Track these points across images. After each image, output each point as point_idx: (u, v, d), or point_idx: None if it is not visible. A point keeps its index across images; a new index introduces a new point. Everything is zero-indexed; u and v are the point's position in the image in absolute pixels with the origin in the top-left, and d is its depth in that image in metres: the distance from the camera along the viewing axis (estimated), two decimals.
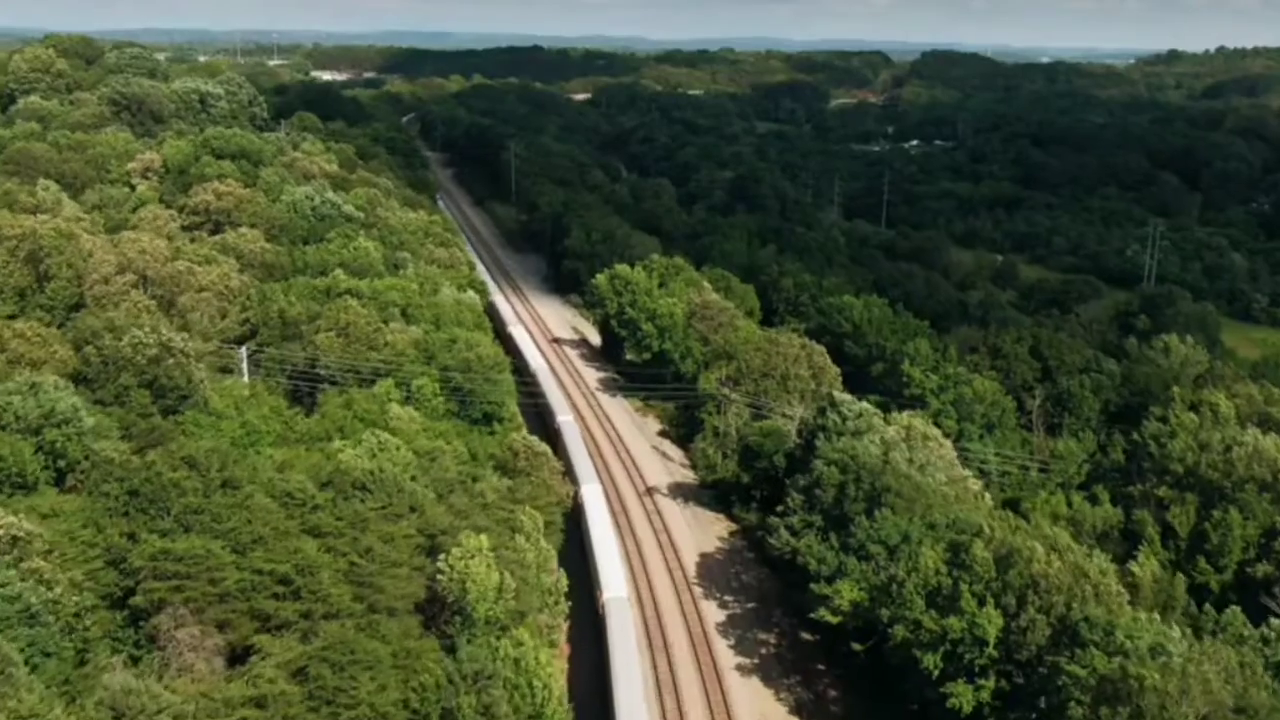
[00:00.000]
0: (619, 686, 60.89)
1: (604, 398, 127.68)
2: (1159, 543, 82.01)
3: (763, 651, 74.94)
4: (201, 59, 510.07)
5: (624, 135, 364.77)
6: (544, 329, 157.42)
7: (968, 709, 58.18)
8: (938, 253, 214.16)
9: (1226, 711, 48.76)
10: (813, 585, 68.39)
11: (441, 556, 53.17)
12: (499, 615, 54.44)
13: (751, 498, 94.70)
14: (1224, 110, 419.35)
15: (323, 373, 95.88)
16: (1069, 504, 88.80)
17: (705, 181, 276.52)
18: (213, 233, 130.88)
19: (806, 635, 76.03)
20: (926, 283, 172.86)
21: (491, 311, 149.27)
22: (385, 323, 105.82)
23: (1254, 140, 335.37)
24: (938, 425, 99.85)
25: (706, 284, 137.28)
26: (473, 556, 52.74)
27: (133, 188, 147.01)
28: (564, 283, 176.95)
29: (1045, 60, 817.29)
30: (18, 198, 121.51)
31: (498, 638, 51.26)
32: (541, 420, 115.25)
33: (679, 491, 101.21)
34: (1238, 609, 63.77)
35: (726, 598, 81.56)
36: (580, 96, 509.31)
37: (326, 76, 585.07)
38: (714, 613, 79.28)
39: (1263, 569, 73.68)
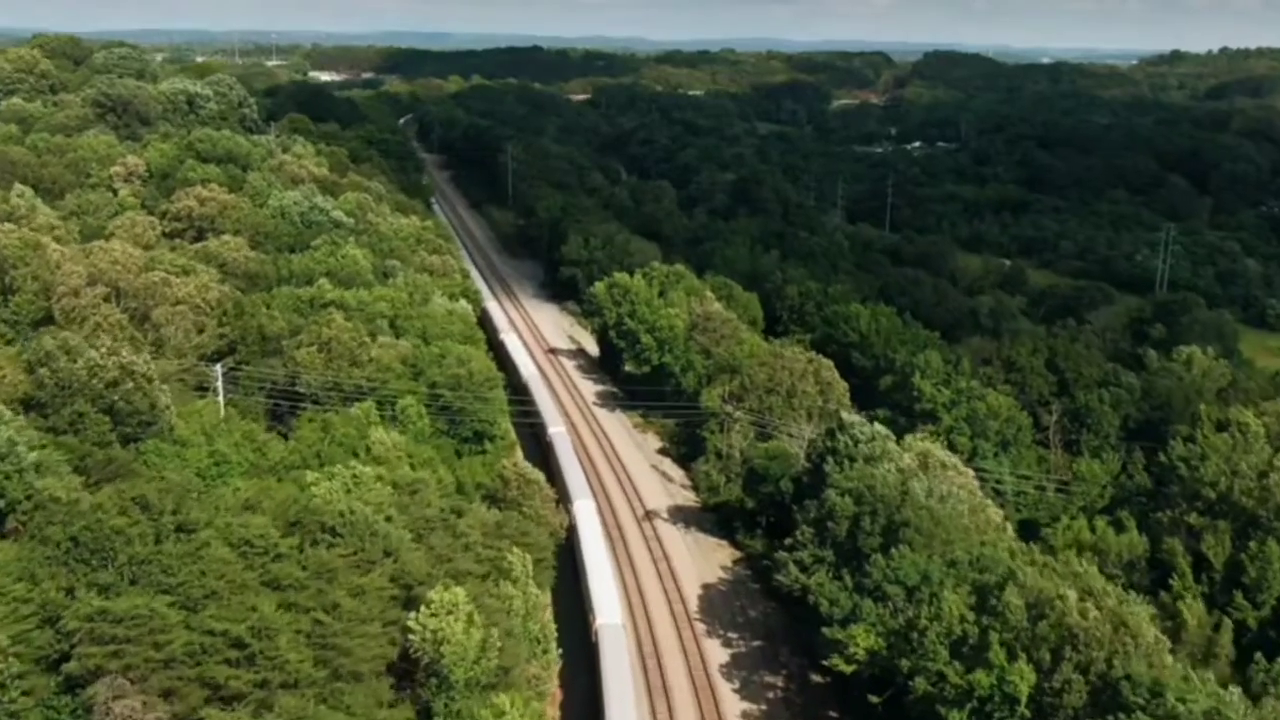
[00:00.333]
0: None
1: (601, 412, 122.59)
2: (1191, 575, 77.18)
3: (770, 695, 69.80)
4: (199, 59, 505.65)
5: (624, 136, 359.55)
6: (540, 338, 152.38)
7: None
8: (944, 258, 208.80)
9: None
10: (825, 629, 63.25)
11: (413, 616, 48.02)
12: (480, 676, 49.40)
13: (756, 524, 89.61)
14: (1230, 111, 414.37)
15: (304, 390, 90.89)
16: (1092, 529, 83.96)
17: (706, 184, 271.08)
18: (195, 240, 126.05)
19: (817, 677, 70.83)
20: (935, 290, 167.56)
21: (485, 319, 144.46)
22: (372, 336, 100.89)
23: (1262, 142, 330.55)
24: (950, 443, 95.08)
25: (709, 293, 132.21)
26: (449, 613, 47.64)
27: (115, 193, 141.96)
28: (561, 290, 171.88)
29: (1046, 61, 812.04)
30: None
31: (478, 706, 46.15)
32: (535, 433, 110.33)
33: (679, 515, 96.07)
34: None
35: (730, 634, 76.41)
36: (580, 97, 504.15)
37: (325, 77, 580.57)
38: (717, 651, 74.12)
39: None
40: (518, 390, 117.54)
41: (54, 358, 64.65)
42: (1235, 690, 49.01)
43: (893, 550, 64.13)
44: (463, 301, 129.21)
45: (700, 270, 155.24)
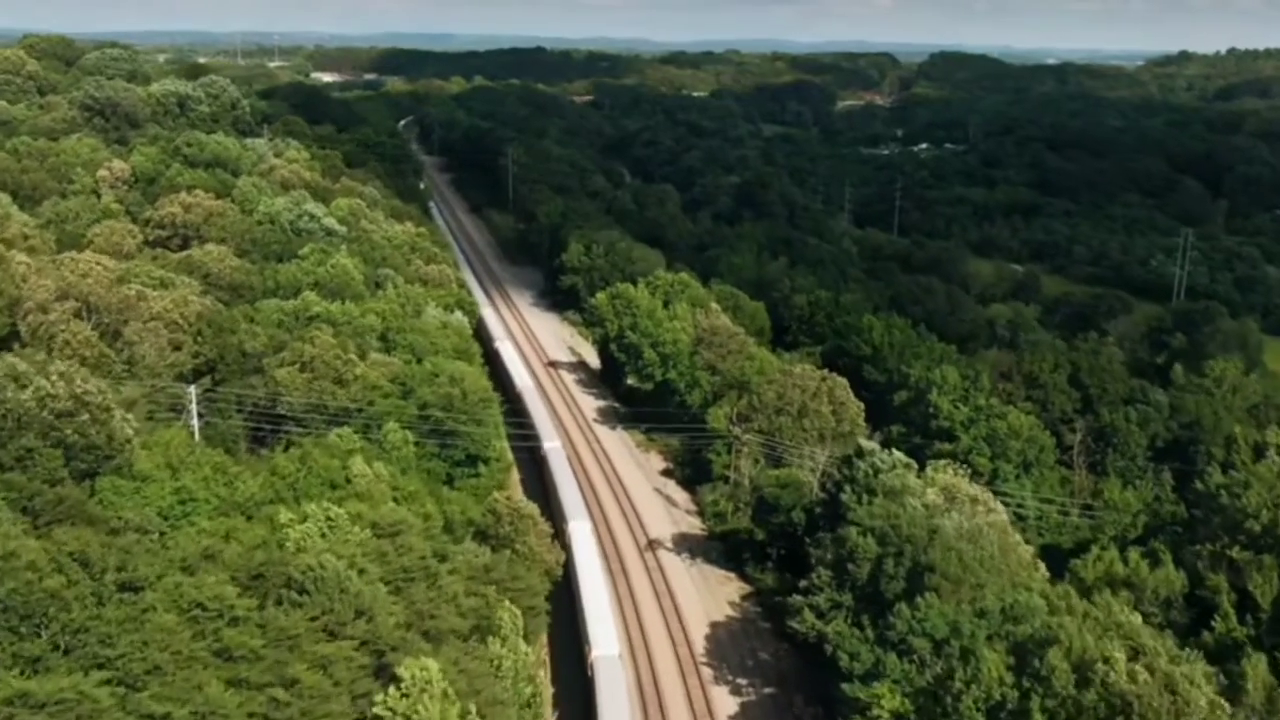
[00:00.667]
0: None
1: (602, 429, 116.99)
2: (1235, 616, 71.70)
3: None
4: (201, 60, 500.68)
5: (628, 138, 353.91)
6: (538, 348, 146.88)
7: None
8: (955, 264, 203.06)
9: None
10: (845, 685, 57.75)
11: (380, 699, 42.55)
12: None
13: (767, 555, 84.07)
14: (1242, 113, 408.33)
15: (285, 412, 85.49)
16: (1124, 561, 78.36)
17: (711, 187, 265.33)
18: (181, 248, 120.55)
19: None
20: (948, 298, 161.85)
21: (481, 328, 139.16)
22: (361, 352, 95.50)
23: (1276, 144, 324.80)
24: (968, 463, 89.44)
25: (714, 304, 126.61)
26: (422, 690, 42.24)
27: (99, 199, 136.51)
28: (562, 298, 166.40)
29: (1052, 62, 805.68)
30: None
31: None
32: (533, 453, 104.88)
33: (684, 544, 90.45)
34: None
35: (740, 680, 70.83)
36: (583, 98, 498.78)
37: (327, 78, 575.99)
38: (725, 700, 68.49)
39: None
40: (512, 402, 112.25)
41: (1, 386, 59.30)
42: None
43: (918, 599, 58.67)
44: (458, 313, 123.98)
45: (705, 278, 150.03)
